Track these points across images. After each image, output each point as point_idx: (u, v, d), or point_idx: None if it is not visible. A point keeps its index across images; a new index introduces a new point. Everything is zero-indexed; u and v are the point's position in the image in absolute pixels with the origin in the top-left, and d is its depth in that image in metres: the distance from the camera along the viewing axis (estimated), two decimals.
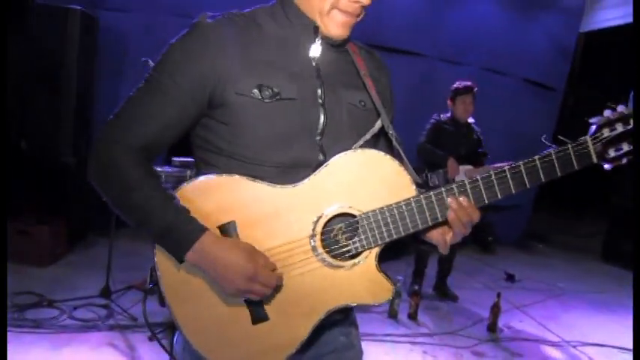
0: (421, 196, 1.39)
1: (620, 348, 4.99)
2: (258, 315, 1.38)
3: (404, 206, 1.40)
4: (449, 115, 5.59)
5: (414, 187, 1.42)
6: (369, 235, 1.40)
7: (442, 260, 5.76)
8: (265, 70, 1.38)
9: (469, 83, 5.55)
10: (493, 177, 1.39)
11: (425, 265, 5.68)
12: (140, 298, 4.47)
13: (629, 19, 7.89)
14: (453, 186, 1.40)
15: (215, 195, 1.37)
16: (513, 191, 1.40)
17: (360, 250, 1.41)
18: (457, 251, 5.74)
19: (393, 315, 5.04)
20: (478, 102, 5.61)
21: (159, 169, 4.24)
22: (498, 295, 5.08)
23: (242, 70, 1.35)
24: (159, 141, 1.38)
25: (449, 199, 1.38)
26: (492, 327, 5.06)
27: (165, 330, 3.93)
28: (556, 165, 1.38)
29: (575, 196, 11.77)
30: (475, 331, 5.02)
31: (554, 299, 6.44)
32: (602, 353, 4.91)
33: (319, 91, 1.43)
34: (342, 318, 1.57)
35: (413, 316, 5.07)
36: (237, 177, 1.36)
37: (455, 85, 5.59)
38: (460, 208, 1.38)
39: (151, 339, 3.84)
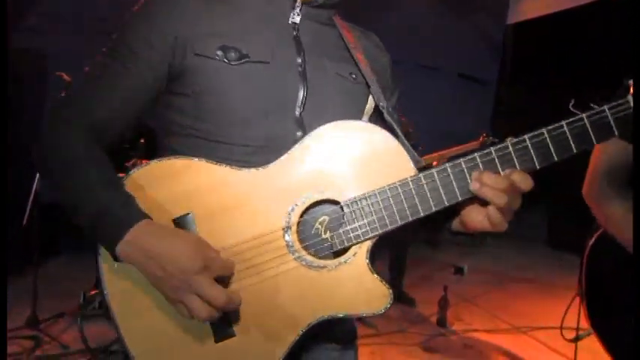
0: (421, 175, 1.11)
1: (568, 328, 4.99)
2: (221, 331, 1.12)
3: (399, 188, 1.11)
4: None
5: (413, 166, 1.14)
6: (357, 225, 1.12)
7: (393, 263, 5.64)
8: (232, 31, 1.19)
9: None
10: (511, 149, 1.10)
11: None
12: (73, 325, 4.24)
13: (556, 9, 8.06)
14: (461, 161, 1.10)
15: (169, 182, 1.12)
16: (538, 166, 1.10)
17: (346, 244, 1.13)
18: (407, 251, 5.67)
19: None
20: (414, 98, 5.54)
21: None
22: (445, 288, 5.05)
23: (204, 29, 1.17)
24: (111, 119, 1.18)
25: (474, 174, 1.09)
26: (442, 321, 5.01)
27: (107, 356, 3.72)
28: (590, 131, 1.08)
29: None
30: (425, 327, 4.96)
31: (502, 289, 6.47)
32: (551, 336, 4.92)
33: (298, 59, 1.23)
34: (336, 325, 1.27)
35: (361, 318, 4.95)
36: (195, 160, 1.13)
37: None
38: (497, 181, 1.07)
39: None
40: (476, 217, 1.15)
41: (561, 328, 2.49)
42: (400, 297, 5.59)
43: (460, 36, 8.72)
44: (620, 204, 1.81)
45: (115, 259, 1.09)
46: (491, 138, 4.93)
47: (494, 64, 9.35)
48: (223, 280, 1.09)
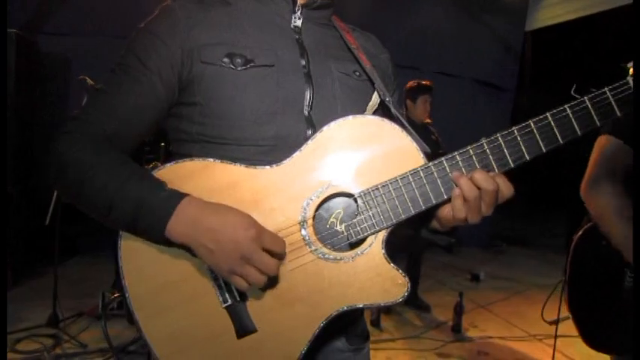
0: (430, 164, 1.15)
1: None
2: (243, 326, 1.14)
3: (410, 177, 1.15)
4: None
5: (423, 155, 1.18)
6: (372, 215, 1.15)
7: (409, 269, 5.61)
8: (237, 38, 1.24)
9: (428, 82, 5.39)
10: (516, 133, 1.14)
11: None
12: (91, 325, 4.32)
13: (574, 16, 8.02)
14: (469, 148, 1.15)
15: (186, 183, 1.15)
16: (544, 149, 1.14)
17: (361, 236, 1.16)
18: (422, 256, 5.66)
19: None
20: (433, 105, 5.50)
21: None
22: (460, 294, 5.03)
23: (210, 39, 1.22)
24: (125, 132, 1.21)
25: (455, 174, 1.14)
26: (457, 327, 4.99)
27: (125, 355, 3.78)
28: (593, 113, 1.13)
29: (536, 194, 11.90)
30: (440, 333, 4.94)
31: (518, 295, 6.42)
32: (567, 343, 4.88)
33: (302, 61, 1.28)
34: (349, 325, 1.36)
35: (375, 323, 4.97)
36: (210, 161, 1.16)
37: (413, 84, 5.37)
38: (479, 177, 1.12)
39: None
40: (446, 208, 1.20)
41: (542, 310, 2.71)
42: (416, 302, 5.56)
43: (479, 43, 8.70)
44: (614, 201, 1.92)
45: (166, 242, 1.11)
46: None
47: (513, 71, 9.29)
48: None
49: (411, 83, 5.41)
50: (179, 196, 1.09)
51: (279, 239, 1.11)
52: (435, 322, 5.22)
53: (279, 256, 1.11)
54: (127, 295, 1.15)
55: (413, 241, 5.31)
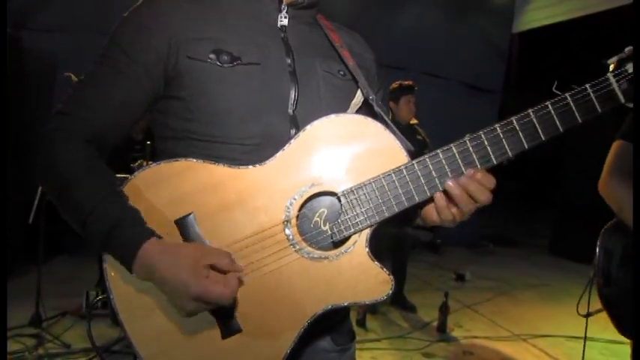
0: (414, 162, 1.15)
1: (568, 337, 5.01)
2: (228, 327, 1.13)
3: (394, 175, 1.15)
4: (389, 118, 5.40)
5: (406, 154, 1.17)
6: (355, 214, 1.15)
7: (395, 269, 5.62)
8: (224, 35, 1.22)
9: (410, 82, 5.39)
10: (499, 130, 1.15)
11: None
12: (75, 324, 4.28)
13: (560, 18, 8.08)
14: (452, 146, 1.15)
15: (169, 184, 1.14)
16: (526, 146, 1.15)
17: (345, 234, 1.16)
18: (407, 256, 5.67)
19: None
20: (419, 107, 5.51)
21: None
22: (446, 294, 5.05)
23: (197, 34, 1.20)
24: (112, 126, 1.20)
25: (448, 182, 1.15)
26: (442, 327, 5.01)
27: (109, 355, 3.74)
28: (574, 110, 1.14)
29: (521, 195, 11.99)
30: (425, 333, 4.96)
31: (504, 296, 6.46)
32: (552, 343, 4.93)
33: (288, 59, 1.28)
34: (335, 324, 1.35)
35: (361, 323, 4.97)
36: (192, 161, 1.15)
37: (396, 85, 5.38)
38: (468, 179, 1.14)
39: None
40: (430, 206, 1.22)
41: (578, 304, 2.72)
42: (401, 302, 5.58)
43: (466, 44, 8.73)
44: (630, 196, 2.11)
45: (130, 272, 1.12)
46: None
47: (500, 72, 9.35)
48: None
49: (393, 85, 5.42)
50: (143, 237, 1.09)
51: (225, 254, 1.11)
52: (420, 323, 5.23)
53: (236, 270, 1.11)
54: (111, 297, 1.15)
55: (398, 240, 5.32)
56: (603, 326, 2.24)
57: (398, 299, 5.59)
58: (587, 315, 2.58)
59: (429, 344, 4.70)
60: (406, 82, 5.38)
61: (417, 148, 5.77)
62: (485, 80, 9.10)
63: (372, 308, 5.27)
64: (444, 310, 5.01)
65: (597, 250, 2.23)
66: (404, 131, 5.13)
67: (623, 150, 2.20)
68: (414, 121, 5.47)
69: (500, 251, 9.34)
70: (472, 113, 8.71)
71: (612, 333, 2.23)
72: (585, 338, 2.96)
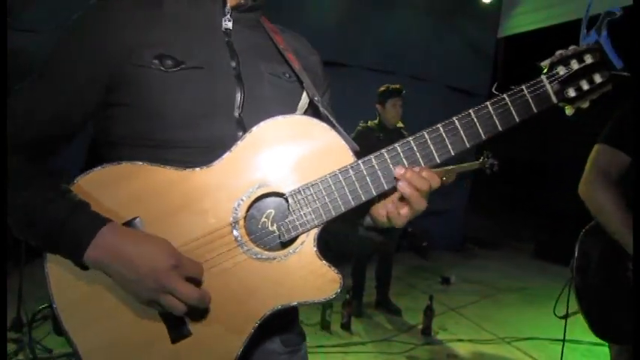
0: (360, 162, 1.17)
1: (551, 339, 5.05)
2: (177, 331, 1.12)
3: (340, 175, 1.16)
4: (376, 121, 5.42)
5: (352, 153, 1.19)
6: (303, 214, 1.16)
7: (380, 272, 5.65)
8: (167, 40, 1.22)
9: (398, 85, 5.43)
10: (441, 130, 1.18)
11: (363, 277, 5.52)
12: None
13: (546, 23, 8.14)
14: (396, 146, 1.17)
15: (115, 188, 1.13)
16: (467, 145, 1.19)
17: (293, 234, 1.16)
18: (392, 259, 5.68)
19: (325, 326, 4.91)
20: (405, 110, 5.52)
21: None
22: (430, 297, 5.07)
23: (140, 40, 1.20)
24: (52, 134, 1.21)
25: (396, 169, 1.16)
26: (427, 330, 5.03)
27: None
28: (512, 109, 1.19)
29: (507, 199, 12.06)
30: (410, 337, 4.97)
31: (488, 299, 6.49)
32: (535, 346, 4.96)
33: (233, 62, 1.28)
34: (284, 326, 1.36)
35: (346, 326, 4.97)
36: (138, 163, 1.14)
37: (383, 88, 5.41)
38: (413, 175, 1.15)
39: None
40: (380, 204, 1.24)
41: (555, 305, 2.79)
42: (386, 306, 5.59)
43: (452, 49, 8.78)
44: (610, 199, 2.20)
45: (82, 266, 1.09)
46: (490, 158, 5.00)
47: (485, 76, 9.40)
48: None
49: (381, 88, 5.44)
50: (99, 223, 1.08)
51: (198, 265, 1.11)
52: (405, 326, 5.25)
53: (199, 283, 1.11)
54: (54, 306, 1.12)
55: (354, 244, 5.32)
56: (586, 328, 2.23)
57: (383, 302, 5.60)
58: (565, 316, 2.60)
59: (414, 347, 4.72)
60: (393, 86, 5.40)
61: None
62: (472, 84, 9.14)
63: (357, 311, 5.28)
64: (429, 313, 5.02)
65: (575, 252, 2.28)
66: (390, 134, 5.24)
67: (604, 153, 2.27)
68: (400, 125, 5.48)
69: (486, 254, 9.38)
70: None
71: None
72: (564, 340, 2.97)
